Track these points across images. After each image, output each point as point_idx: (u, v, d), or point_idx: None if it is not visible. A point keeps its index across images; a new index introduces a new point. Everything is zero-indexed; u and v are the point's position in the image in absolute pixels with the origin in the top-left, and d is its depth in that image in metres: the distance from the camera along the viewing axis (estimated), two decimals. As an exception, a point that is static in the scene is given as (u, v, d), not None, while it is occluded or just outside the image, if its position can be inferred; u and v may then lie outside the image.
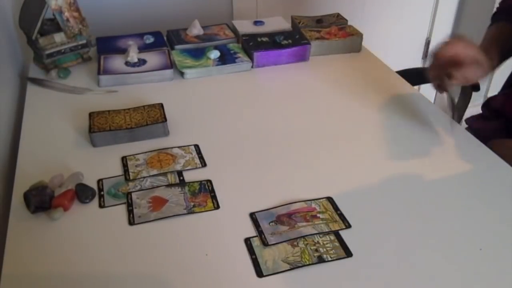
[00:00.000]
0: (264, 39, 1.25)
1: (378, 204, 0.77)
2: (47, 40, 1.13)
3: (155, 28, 1.32)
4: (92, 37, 1.20)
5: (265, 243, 0.69)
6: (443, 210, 0.77)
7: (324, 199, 0.78)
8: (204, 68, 1.16)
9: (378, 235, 0.71)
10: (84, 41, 1.18)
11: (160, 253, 0.68)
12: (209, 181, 0.82)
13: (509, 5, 1.08)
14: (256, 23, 1.36)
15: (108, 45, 1.23)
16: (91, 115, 0.95)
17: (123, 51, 1.19)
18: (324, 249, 0.68)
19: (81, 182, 0.80)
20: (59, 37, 1.14)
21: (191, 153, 0.88)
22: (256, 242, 0.70)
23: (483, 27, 1.09)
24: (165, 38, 1.29)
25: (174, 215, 0.74)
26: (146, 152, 0.88)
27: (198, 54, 1.21)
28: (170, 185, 0.81)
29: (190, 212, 0.75)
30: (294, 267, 0.66)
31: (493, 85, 2.14)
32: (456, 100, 1.18)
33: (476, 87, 1.35)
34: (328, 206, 0.76)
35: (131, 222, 0.73)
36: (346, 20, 1.37)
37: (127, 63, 1.16)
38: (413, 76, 1.35)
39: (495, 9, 1.11)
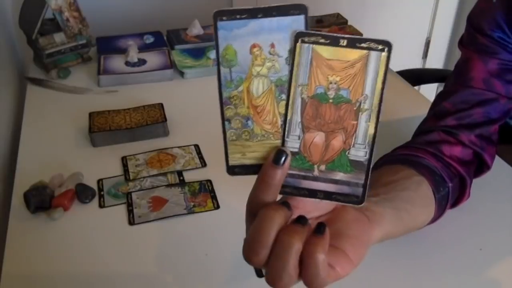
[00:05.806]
0: (264, 39, 1.25)
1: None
2: (47, 40, 1.13)
3: (155, 28, 1.32)
4: (92, 37, 1.20)
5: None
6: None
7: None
8: (204, 68, 1.16)
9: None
10: (84, 41, 1.17)
11: (160, 253, 0.68)
12: (209, 181, 0.81)
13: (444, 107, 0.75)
14: (256, 23, 1.35)
15: (108, 45, 1.23)
16: (91, 115, 0.95)
17: (123, 51, 1.19)
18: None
19: (81, 182, 0.80)
20: (59, 37, 1.14)
21: (191, 153, 0.88)
22: (256, 242, 0.70)
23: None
24: (165, 38, 1.29)
25: (174, 215, 0.74)
26: (146, 152, 0.88)
27: (198, 54, 1.20)
28: (170, 185, 0.81)
29: (190, 212, 0.75)
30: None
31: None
32: None
33: None
34: None
35: (131, 222, 0.73)
36: (346, 20, 1.36)
37: (127, 63, 1.16)
38: (413, 76, 1.35)
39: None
